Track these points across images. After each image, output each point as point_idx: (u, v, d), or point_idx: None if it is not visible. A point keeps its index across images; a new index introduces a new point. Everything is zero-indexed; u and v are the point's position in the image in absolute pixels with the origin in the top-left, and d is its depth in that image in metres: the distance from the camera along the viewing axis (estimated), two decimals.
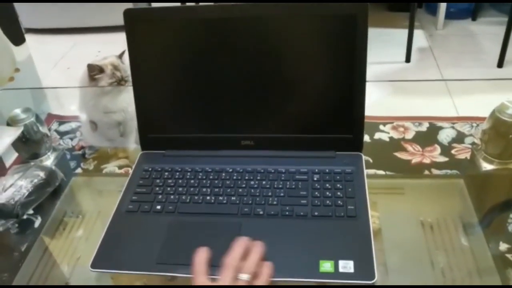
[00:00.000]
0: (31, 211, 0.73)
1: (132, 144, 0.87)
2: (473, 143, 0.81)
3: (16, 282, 0.63)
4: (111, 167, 0.84)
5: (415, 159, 0.79)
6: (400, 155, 0.80)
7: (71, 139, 0.93)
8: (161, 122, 0.76)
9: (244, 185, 0.68)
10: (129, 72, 0.82)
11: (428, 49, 2.13)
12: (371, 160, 0.77)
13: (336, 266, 0.56)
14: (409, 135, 0.85)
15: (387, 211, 0.69)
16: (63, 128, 0.97)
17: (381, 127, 0.87)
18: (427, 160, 0.78)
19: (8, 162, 0.85)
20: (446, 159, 0.78)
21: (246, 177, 0.69)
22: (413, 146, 0.82)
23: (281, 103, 0.72)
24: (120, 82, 0.83)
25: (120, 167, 0.83)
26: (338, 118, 0.72)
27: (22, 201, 0.70)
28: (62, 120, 1.00)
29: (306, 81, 0.72)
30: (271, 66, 0.70)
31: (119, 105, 0.84)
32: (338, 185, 0.66)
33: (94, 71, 0.82)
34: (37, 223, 0.72)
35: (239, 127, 0.74)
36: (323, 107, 0.72)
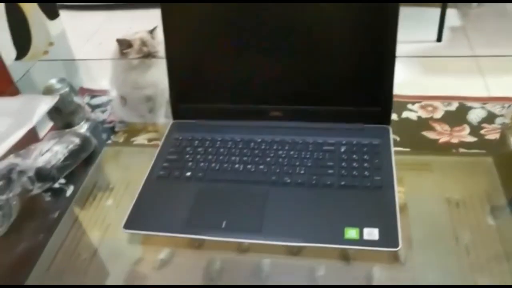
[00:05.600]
0: (63, 181, 0.75)
1: (162, 118, 0.88)
2: (503, 123, 0.80)
3: (51, 244, 0.66)
4: (140, 140, 0.86)
5: (443, 139, 0.78)
6: (428, 134, 0.80)
7: (102, 112, 0.95)
8: (192, 92, 0.78)
9: (272, 155, 0.69)
10: (158, 48, 0.83)
11: (460, 28, 2.06)
12: (398, 139, 0.77)
13: (361, 233, 0.57)
14: (438, 115, 0.84)
15: (413, 186, 0.69)
16: (95, 101, 0.99)
17: (409, 106, 0.86)
18: (455, 140, 0.78)
19: (42, 132, 0.88)
20: (475, 139, 0.77)
21: (275, 147, 0.70)
22: (441, 126, 0.81)
23: (310, 74, 0.73)
24: (147, 57, 0.84)
25: (149, 140, 0.85)
26: (367, 90, 0.72)
27: (58, 165, 0.73)
28: (93, 94, 1.02)
29: (336, 53, 0.72)
30: (301, 37, 0.71)
31: (149, 80, 0.85)
32: (365, 157, 0.67)
33: (123, 46, 0.84)
34: (69, 192, 0.74)
35: (268, 98, 0.75)
36: (352, 79, 0.72)
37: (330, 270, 0.58)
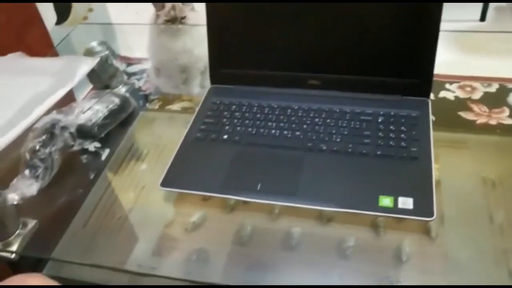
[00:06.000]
0: (98, 144, 0.77)
1: (196, 88, 0.89)
2: None
3: (88, 202, 0.69)
4: (175, 108, 0.87)
5: (481, 120, 0.77)
6: (465, 115, 0.78)
7: (138, 80, 0.97)
8: (231, 57, 0.78)
9: (308, 122, 0.70)
10: (186, 13, 0.84)
11: (506, 8, 1.96)
12: (434, 118, 0.76)
13: (395, 202, 0.57)
14: (476, 96, 0.82)
15: (449, 164, 0.68)
16: (131, 69, 1.01)
17: (447, 86, 0.85)
18: (493, 122, 0.76)
19: (81, 94, 0.90)
20: None
21: (311, 115, 0.71)
22: (479, 107, 0.80)
23: (351, 44, 0.72)
24: (174, 22, 0.85)
25: (184, 109, 0.86)
26: (407, 61, 0.71)
27: (99, 123, 0.75)
28: (129, 62, 1.04)
29: (377, 22, 0.71)
30: (343, 6, 0.70)
31: (181, 47, 0.86)
32: (403, 128, 0.67)
33: (158, 7, 0.85)
34: (104, 155, 0.76)
35: (307, 66, 0.75)
36: (392, 50, 0.71)
37: (360, 241, 0.59)
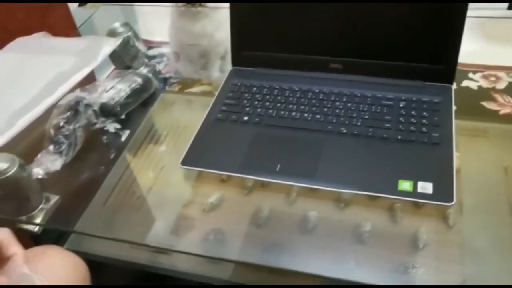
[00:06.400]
0: (118, 126, 0.78)
1: (216, 73, 0.89)
2: None
3: (108, 180, 0.70)
4: (194, 91, 0.87)
5: (504, 110, 0.76)
6: (488, 105, 0.77)
7: (158, 63, 0.97)
8: (253, 40, 0.78)
9: (329, 105, 0.70)
10: None
11: None
12: (455, 107, 0.75)
13: (415, 186, 0.57)
14: (501, 85, 0.81)
15: (469, 152, 0.68)
16: (151, 52, 1.01)
17: (470, 75, 0.84)
18: None
19: (102, 75, 0.91)
20: None
21: (332, 98, 0.71)
22: (503, 97, 0.78)
23: (374, 27, 0.71)
24: (194, 4, 0.84)
25: (203, 92, 0.87)
26: (431, 47, 0.70)
27: (121, 102, 0.76)
28: (150, 45, 1.04)
29: (402, 6, 0.69)
30: None
31: (204, 30, 0.85)
32: (424, 113, 0.66)
33: None
34: (124, 136, 0.77)
35: (329, 50, 0.74)
36: (416, 35, 0.70)
37: (376, 226, 0.58)
